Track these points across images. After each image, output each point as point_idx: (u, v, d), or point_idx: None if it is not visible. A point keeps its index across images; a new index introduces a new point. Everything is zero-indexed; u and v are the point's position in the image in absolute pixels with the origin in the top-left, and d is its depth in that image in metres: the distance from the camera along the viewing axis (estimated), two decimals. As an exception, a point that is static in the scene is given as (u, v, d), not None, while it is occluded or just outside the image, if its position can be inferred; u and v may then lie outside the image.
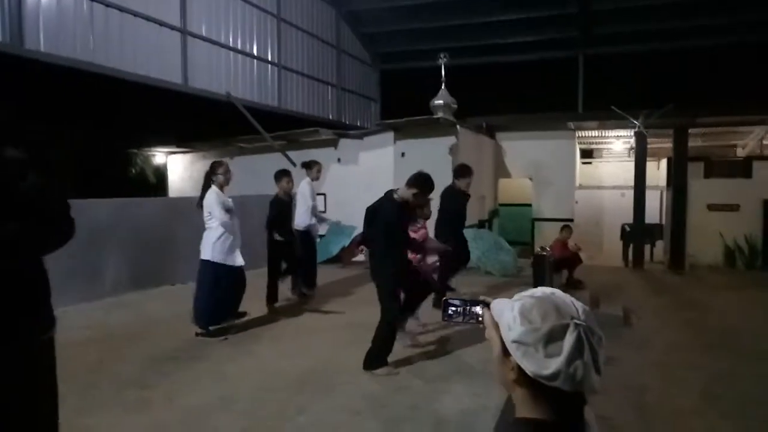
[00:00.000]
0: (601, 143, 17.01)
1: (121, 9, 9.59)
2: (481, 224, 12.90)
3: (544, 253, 7.75)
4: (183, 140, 13.01)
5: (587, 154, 17.65)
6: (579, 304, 1.20)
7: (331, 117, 17.00)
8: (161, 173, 14.27)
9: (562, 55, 18.07)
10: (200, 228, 6.36)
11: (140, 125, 12.54)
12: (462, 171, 7.13)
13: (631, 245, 13.30)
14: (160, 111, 11.85)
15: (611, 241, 15.57)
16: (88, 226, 7.00)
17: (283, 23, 14.44)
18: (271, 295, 6.86)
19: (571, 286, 8.97)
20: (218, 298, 5.57)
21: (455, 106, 12.21)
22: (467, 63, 18.79)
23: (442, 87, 12.34)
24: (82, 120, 11.93)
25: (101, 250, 7.13)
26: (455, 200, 6.87)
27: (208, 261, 5.60)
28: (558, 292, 1.25)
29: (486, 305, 1.42)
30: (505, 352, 1.18)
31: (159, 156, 14.08)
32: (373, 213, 4.96)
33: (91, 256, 6.99)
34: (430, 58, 16.89)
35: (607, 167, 17.51)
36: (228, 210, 5.64)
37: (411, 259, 5.62)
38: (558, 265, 8.82)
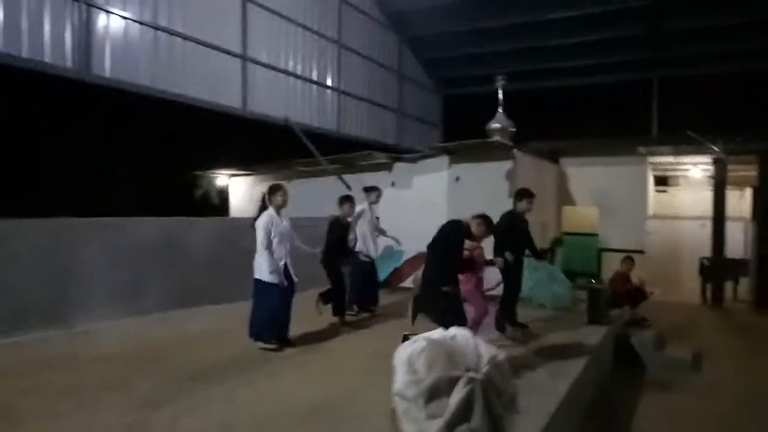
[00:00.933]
0: (678, 170, 15.90)
1: (185, 37, 10.01)
2: (542, 252, 12.30)
3: (599, 287, 7.16)
4: (244, 163, 13.36)
5: (662, 181, 16.54)
6: (487, 352, 0.94)
7: (390, 142, 16.98)
8: (224, 195, 14.70)
9: (634, 77, 17.26)
10: (247, 249, 6.41)
11: (203, 149, 12.99)
12: (520, 193, 6.79)
13: (710, 281, 12.22)
14: (221, 135, 12.22)
15: (689, 276, 14.36)
16: (135, 244, 7.19)
17: (344, 49, 14.65)
18: (338, 309, 6.96)
19: (634, 324, 8.24)
20: (270, 315, 5.68)
21: (513, 129, 11.81)
22: (532, 87, 18.34)
23: (499, 110, 11.98)
24: (149, 143, 12.52)
25: (148, 267, 7.28)
26: (512, 223, 6.47)
27: (259, 280, 5.72)
28: (463, 335, 0.95)
29: None
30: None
31: (222, 178, 14.55)
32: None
33: (138, 273, 7.14)
34: (494, 82, 16.60)
35: (685, 196, 16.31)
36: (279, 235, 5.70)
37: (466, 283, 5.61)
38: (618, 301, 8.15)
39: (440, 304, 4.82)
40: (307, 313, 6.66)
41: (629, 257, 8.81)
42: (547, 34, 16.48)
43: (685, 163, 14.89)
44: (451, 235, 5.03)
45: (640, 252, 13.19)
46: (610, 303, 7.28)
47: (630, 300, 8.23)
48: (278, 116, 12.30)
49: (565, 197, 13.96)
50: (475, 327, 5.70)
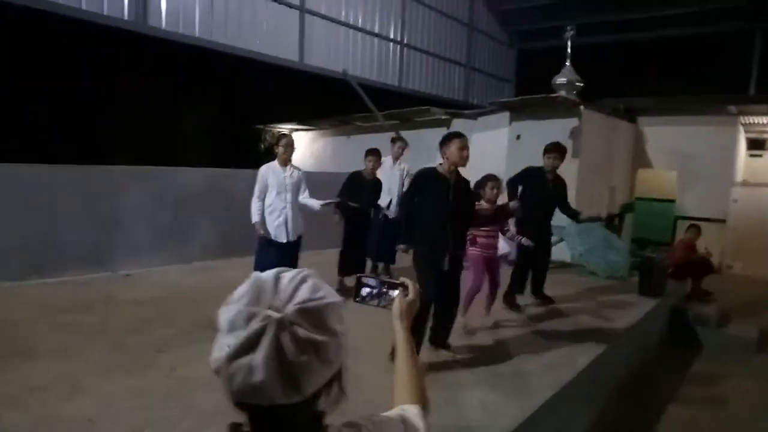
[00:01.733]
0: (777, 133, 14.29)
1: (240, -12, 9.98)
2: (610, 219, 11.59)
3: (653, 255, 6.58)
4: (303, 118, 13.38)
5: (758, 144, 14.93)
6: (306, 294, 0.89)
7: (458, 98, 16.40)
8: (287, 149, 14.87)
9: (732, 27, 15.47)
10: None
11: (263, 102, 13.11)
12: (545, 148, 6.02)
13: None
14: (280, 88, 12.25)
15: (782, 250, 13.05)
16: (182, 193, 7.41)
17: (409, 0, 14.11)
18: (343, 267, 6.64)
19: (695, 298, 7.58)
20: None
21: (580, 84, 10.97)
22: (615, 39, 16.98)
23: (567, 64, 11.14)
24: (213, 96, 12.80)
25: (193, 216, 7.49)
26: (532, 181, 5.85)
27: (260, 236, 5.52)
28: (292, 275, 0.92)
29: (404, 288, 1.26)
30: None
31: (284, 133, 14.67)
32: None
33: (183, 222, 7.38)
34: (577, 34, 15.32)
35: (783, 161, 14.68)
36: (277, 186, 5.42)
37: (480, 245, 4.98)
38: (680, 273, 7.51)
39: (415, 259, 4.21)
40: (328, 273, 6.62)
41: (694, 225, 8.06)
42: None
43: (786, 125, 13.33)
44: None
45: (721, 221, 12.13)
46: (665, 274, 6.69)
47: (693, 272, 7.54)
48: (337, 70, 12.14)
49: (641, 159, 12.96)
50: (466, 301, 4.94)
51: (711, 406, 5.12)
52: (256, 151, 14.97)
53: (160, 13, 8.84)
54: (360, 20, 12.75)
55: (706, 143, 12.20)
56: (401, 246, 4.28)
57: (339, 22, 12.17)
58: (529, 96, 10.15)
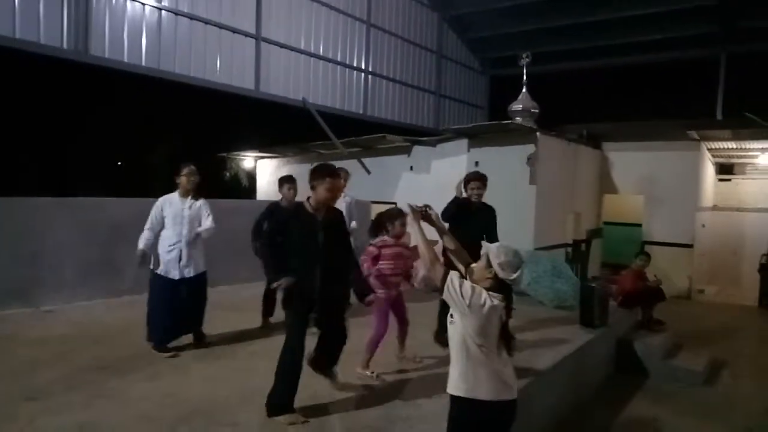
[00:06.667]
0: (745, 157, 14.23)
1: (191, 17, 9.91)
2: (576, 244, 11.41)
3: (592, 284, 6.35)
4: (265, 145, 13.26)
5: (727, 169, 14.90)
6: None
7: (428, 125, 16.35)
8: (253, 177, 14.73)
9: (697, 54, 15.59)
10: (232, 230, 6.36)
11: (226, 130, 12.99)
12: (468, 178, 5.71)
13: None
14: (241, 116, 12.14)
15: (750, 276, 12.88)
16: (114, 224, 7.14)
17: (374, 29, 14.13)
18: (267, 308, 6.25)
19: (645, 327, 7.33)
20: (163, 312, 5.00)
21: (536, 111, 10.90)
22: (584, 66, 17.11)
23: (523, 90, 11.09)
24: (175, 126, 12.67)
25: (127, 248, 7.18)
26: (457, 207, 5.50)
27: (151, 270, 5.14)
28: (516, 250, 2.61)
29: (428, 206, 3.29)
30: (488, 266, 2.57)
31: (249, 161, 14.56)
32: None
33: (116, 254, 7.07)
34: (546, 61, 15.50)
35: (752, 185, 14.61)
36: (172, 218, 5.07)
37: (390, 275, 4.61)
38: (629, 301, 7.28)
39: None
40: (241, 308, 6.47)
41: (645, 253, 7.85)
42: (603, 8, 15.22)
43: (753, 150, 13.27)
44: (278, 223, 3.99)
45: (689, 246, 11.97)
46: (607, 303, 6.46)
47: (643, 301, 7.31)
48: (296, 98, 12.05)
49: (607, 185, 12.87)
50: (369, 348, 4.53)
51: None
52: (221, 179, 14.81)
53: (104, 41, 8.71)
54: (321, 48, 12.72)
55: (671, 168, 12.12)
56: (279, 282, 3.70)
57: (299, 51, 12.13)
58: (482, 123, 10.04)
